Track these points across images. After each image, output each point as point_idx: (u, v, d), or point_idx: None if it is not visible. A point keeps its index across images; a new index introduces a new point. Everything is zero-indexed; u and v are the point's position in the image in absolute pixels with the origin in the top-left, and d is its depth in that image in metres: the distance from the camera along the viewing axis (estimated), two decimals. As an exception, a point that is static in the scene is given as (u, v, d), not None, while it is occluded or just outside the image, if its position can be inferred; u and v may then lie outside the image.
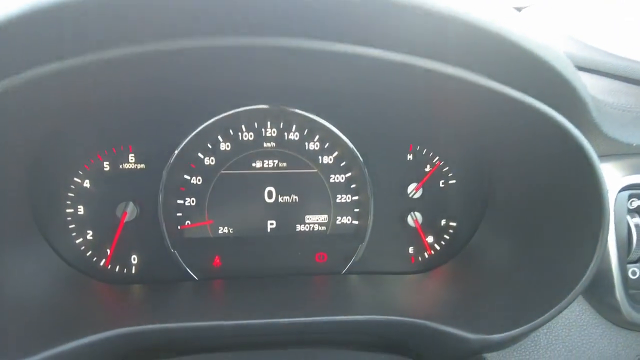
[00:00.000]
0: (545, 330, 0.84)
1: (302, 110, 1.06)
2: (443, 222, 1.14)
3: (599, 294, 0.86)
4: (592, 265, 0.72)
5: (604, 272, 0.84)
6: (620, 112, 0.89)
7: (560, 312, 0.74)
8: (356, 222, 1.14)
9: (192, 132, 1.05)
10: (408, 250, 1.14)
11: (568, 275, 0.75)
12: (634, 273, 0.86)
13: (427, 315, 0.80)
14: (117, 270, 1.07)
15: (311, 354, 0.65)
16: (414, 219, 1.12)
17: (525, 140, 0.82)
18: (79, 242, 1.06)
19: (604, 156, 0.86)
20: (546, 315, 0.73)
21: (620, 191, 0.85)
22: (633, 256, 0.86)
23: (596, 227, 0.72)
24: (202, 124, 1.05)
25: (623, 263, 0.85)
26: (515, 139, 0.85)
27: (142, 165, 1.06)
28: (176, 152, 1.05)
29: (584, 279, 0.72)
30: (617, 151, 0.87)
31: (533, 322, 0.73)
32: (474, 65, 0.65)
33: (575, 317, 0.86)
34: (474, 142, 1.05)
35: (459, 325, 0.77)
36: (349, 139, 1.08)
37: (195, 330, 0.81)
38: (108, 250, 1.07)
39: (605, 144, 0.85)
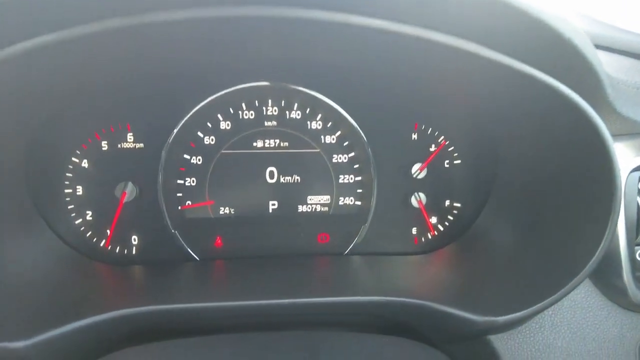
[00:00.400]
0: (550, 312, 0.83)
1: (305, 87, 1.03)
2: (447, 203, 1.12)
3: (606, 276, 0.84)
4: (601, 247, 0.70)
5: (612, 254, 0.83)
6: (634, 90, 0.85)
7: (567, 294, 0.72)
8: (359, 203, 1.12)
9: (191, 110, 1.03)
10: (411, 231, 1.12)
11: (576, 257, 0.74)
12: (641, 255, 0.85)
13: (432, 297, 0.79)
14: (117, 251, 1.06)
15: (313, 335, 0.65)
16: (418, 199, 1.10)
17: (536, 118, 0.79)
18: (78, 223, 1.05)
19: (617, 135, 0.84)
20: (552, 298, 0.72)
21: (631, 172, 0.83)
22: (641, 238, 0.84)
23: (607, 208, 0.70)
24: (201, 102, 1.03)
25: (631, 245, 0.83)
26: (525, 117, 0.82)
27: (141, 145, 1.04)
28: (175, 130, 1.03)
29: (592, 261, 0.71)
30: (630, 130, 0.85)
31: (539, 305, 0.72)
32: (484, 38, 0.62)
33: (580, 299, 0.85)
34: (481, 121, 1.03)
35: (463, 307, 0.76)
36: (353, 118, 1.05)
37: (197, 312, 0.80)
38: (108, 231, 1.05)
39: (618, 123, 0.82)
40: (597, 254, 0.71)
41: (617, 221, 0.71)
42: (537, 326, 0.82)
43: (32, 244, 0.94)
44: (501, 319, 0.73)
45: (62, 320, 0.73)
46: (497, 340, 0.79)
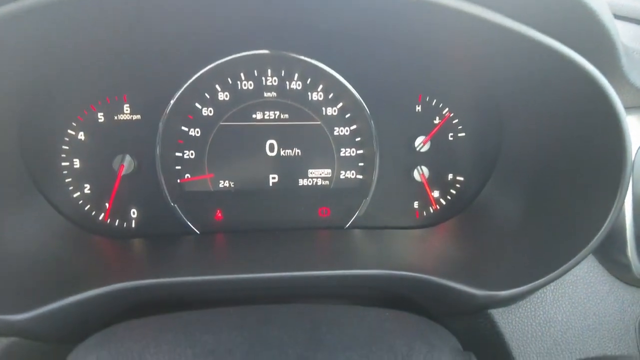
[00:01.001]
0: (551, 287, 0.83)
1: (306, 56, 0.99)
2: (450, 176, 1.10)
3: (610, 251, 0.84)
4: (607, 222, 0.69)
5: (617, 229, 0.82)
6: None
7: (570, 269, 0.72)
8: (360, 177, 1.11)
9: (188, 80, 1.00)
10: (413, 205, 1.11)
11: (581, 231, 0.72)
12: (647, 230, 0.84)
13: (433, 271, 0.78)
14: (116, 224, 1.06)
15: (314, 308, 0.64)
16: (421, 173, 1.08)
17: (545, 87, 0.76)
18: (76, 197, 1.03)
19: (630, 108, 0.81)
20: (555, 273, 0.72)
21: (642, 146, 0.81)
22: (648, 213, 0.83)
23: (615, 182, 0.68)
24: (198, 72, 0.99)
25: (638, 220, 0.82)
26: (533, 86, 0.79)
27: (138, 116, 1.02)
28: (172, 101, 1.00)
29: (597, 236, 0.70)
30: (642, 103, 0.82)
31: (541, 280, 0.72)
32: (492, 2, 0.58)
33: (582, 274, 0.85)
34: (487, 91, 0.99)
35: (464, 281, 0.75)
36: (355, 89, 1.02)
37: (198, 284, 0.80)
38: (107, 204, 1.04)
39: (631, 95, 0.79)
40: (602, 229, 0.69)
41: (625, 196, 0.70)
42: (538, 300, 0.82)
43: (30, 217, 0.93)
44: (502, 293, 0.72)
45: (62, 294, 0.72)
46: (498, 314, 0.80)
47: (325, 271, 0.80)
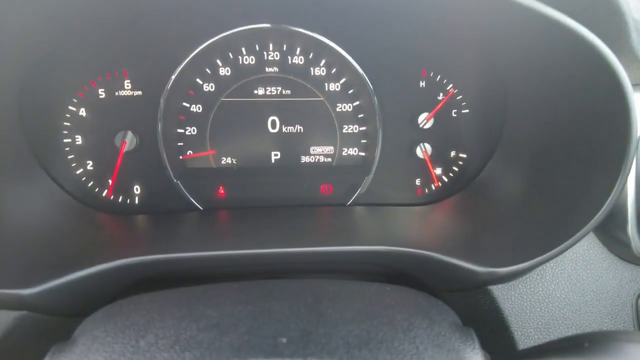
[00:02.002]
0: (551, 264, 0.84)
1: (308, 30, 0.97)
2: (453, 153, 1.10)
3: (610, 229, 0.84)
4: (609, 199, 0.69)
5: (618, 207, 0.82)
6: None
7: (571, 246, 0.72)
8: (363, 154, 1.10)
9: (188, 55, 0.98)
10: (415, 182, 1.11)
11: (583, 209, 0.73)
12: (649, 208, 0.84)
13: (434, 247, 0.79)
14: (120, 200, 1.06)
15: (316, 283, 0.65)
16: (423, 150, 1.08)
17: (551, 63, 0.75)
18: (79, 173, 1.04)
19: (637, 85, 0.79)
20: (555, 250, 0.72)
21: (648, 123, 0.79)
22: (651, 191, 0.83)
23: (620, 160, 0.68)
24: (199, 47, 0.98)
25: (639, 198, 0.82)
26: (539, 62, 0.78)
27: (139, 92, 1.01)
28: (173, 77, 0.99)
29: (599, 213, 0.70)
30: (651, 79, 0.80)
31: (542, 256, 0.72)
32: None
33: (582, 251, 0.86)
34: (492, 68, 0.98)
35: (465, 258, 0.76)
36: (359, 64, 1.00)
37: (201, 260, 0.81)
38: (109, 181, 1.05)
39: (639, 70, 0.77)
40: (604, 207, 0.69)
41: (628, 174, 0.69)
42: (537, 277, 0.83)
43: (35, 194, 0.94)
44: (503, 270, 0.73)
45: (67, 269, 0.74)
46: (498, 290, 0.81)
47: (326, 247, 0.81)
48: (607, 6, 0.62)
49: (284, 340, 0.49)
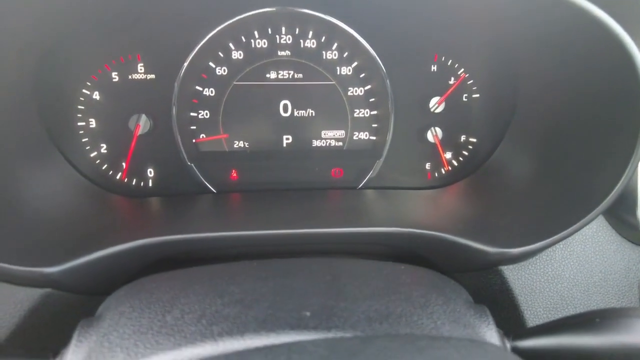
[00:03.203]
0: (560, 245, 0.85)
1: (320, 12, 0.97)
2: (463, 138, 1.11)
3: (620, 212, 0.85)
4: (620, 182, 0.70)
5: (628, 190, 0.83)
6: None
7: (580, 229, 0.74)
8: (374, 138, 1.11)
9: (202, 39, 0.98)
10: (425, 166, 1.12)
11: (594, 192, 0.74)
12: (658, 192, 0.85)
13: (445, 229, 0.81)
14: (134, 183, 1.08)
15: (333, 261, 0.67)
16: (434, 134, 1.09)
17: (563, 45, 0.75)
18: (93, 156, 1.05)
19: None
20: (566, 232, 0.74)
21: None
22: (661, 175, 0.84)
23: (632, 142, 0.69)
24: (212, 30, 0.98)
25: (649, 181, 0.83)
26: (550, 44, 0.78)
27: (152, 76, 1.02)
28: (187, 61, 0.99)
29: (610, 195, 0.71)
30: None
31: (553, 237, 0.74)
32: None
33: (591, 233, 0.87)
34: (503, 52, 0.98)
35: (477, 239, 0.78)
36: (371, 47, 1.01)
37: (215, 241, 0.83)
38: (124, 164, 1.06)
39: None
40: (616, 188, 0.71)
41: (639, 158, 0.70)
42: (547, 258, 0.84)
43: (52, 176, 0.96)
44: (514, 250, 0.75)
45: (87, 249, 0.76)
46: (508, 271, 0.82)
47: (337, 228, 0.82)
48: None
49: (308, 313, 0.51)
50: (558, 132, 0.87)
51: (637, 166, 0.70)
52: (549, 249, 0.85)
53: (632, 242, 0.87)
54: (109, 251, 0.77)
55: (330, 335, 0.47)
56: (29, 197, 0.85)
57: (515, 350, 0.58)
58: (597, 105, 0.76)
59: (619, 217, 0.87)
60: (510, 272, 0.83)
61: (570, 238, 0.86)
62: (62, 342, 0.56)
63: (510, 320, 0.83)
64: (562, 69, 0.82)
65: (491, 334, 0.57)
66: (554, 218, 0.78)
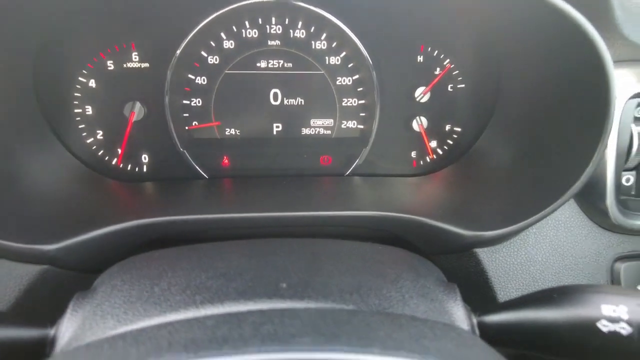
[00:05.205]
0: (534, 229, 0.89)
1: (309, 4, 1.00)
2: (448, 127, 1.14)
3: (591, 198, 0.89)
4: (588, 168, 0.74)
5: (598, 178, 0.87)
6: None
7: (551, 212, 0.78)
8: (361, 127, 1.15)
9: (194, 28, 1.01)
10: (411, 154, 1.16)
11: (563, 179, 0.78)
12: (627, 180, 0.89)
13: (426, 213, 0.85)
14: (129, 168, 1.12)
15: (315, 242, 0.71)
16: (419, 123, 1.12)
17: (539, 40, 0.78)
18: (90, 142, 1.09)
19: (623, 61, 0.83)
20: (537, 216, 0.78)
21: (630, 98, 0.84)
22: (630, 163, 0.88)
23: (598, 134, 0.72)
24: (204, 20, 1.01)
25: (619, 170, 0.87)
26: (527, 38, 0.82)
27: (146, 64, 1.05)
28: (179, 50, 1.02)
29: (577, 183, 0.75)
30: (637, 57, 0.84)
31: (525, 222, 0.78)
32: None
33: (564, 219, 0.91)
34: (486, 45, 1.01)
35: (455, 223, 0.82)
36: (358, 38, 1.04)
37: (207, 223, 0.87)
38: (119, 150, 1.10)
39: (625, 48, 0.81)
40: (584, 175, 0.75)
41: (606, 144, 0.74)
42: (521, 241, 0.88)
43: (50, 161, 0.99)
44: (488, 233, 0.79)
45: (83, 229, 0.80)
46: (483, 253, 0.87)
47: (324, 212, 0.87)
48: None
49: (284, 285, 0.55)
50: (534, 122, 0.91)
51: (603, 154, 0.74)
52: (523, 233, 0.89)
53: (602, 228, 0.91)
54: (104, 231, 0.81)
55: (303, 304, 0.51)
56: (29, 180, 0.89)
57: (480, 324, 0.62)
58: (569, 98, 0.80)
59: (590, 204, 0.91)
60: (485, 255, 0.87)
61: (543, 223, 0.90)
62: (59, 314, 0.61)
63: (483, 300, 0.87)
64: (538, 62, 0.85)
65: (458, 309, 0.61)
66: (527, 203, 0.82)
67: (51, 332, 0.59)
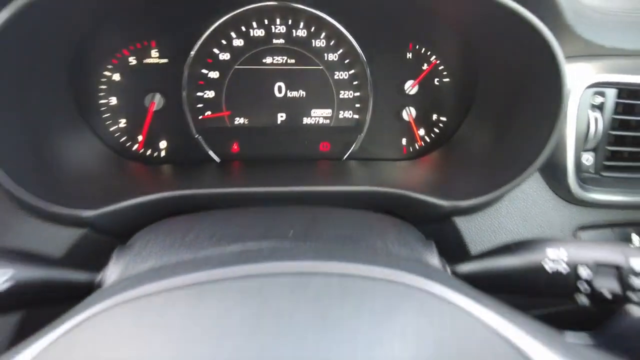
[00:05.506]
0: (506, 202, 1.02)
1: (310, 7, 1.14)
2: (434, 117, 1.27)
3: (556, 176, 1.02)
4: (547, 147, 0.88)
5: (561, 158, 1.00)
6: (601, 16, 0.97)
7: (517, 184, 0.91)
8: (357, 116, 1.28)
9: (208, 29, 1.14)
10: (401, 141, 1.29)
11: (528, 157, 0.91)
12: (587, 160, 1.02)
13: (411, 188, 0.98)
14: (148, 153, 1.24)
15: (316, 209, 0.84)
16: (409, 113, 1.25)
17: (504, 41, 0.92)
18: (113, 129, 1.21)
19: (580, 56, 0.97)
20: (506, 187, 0.91)
21: (587, 88, 0.97)
22: (588, 145, 1.01)
23: (554, 115, 0.86)
24: (216, 22, 1.14)
25: (579, 151, 1.00)
26: (496, 41, 0.96)
27: (165, 60, 1.18)
28: (195, 48, 1.15)
29: (538, 159, 0.89)
30: (592, 52, 0.97)
31: (494, 192, 0.91)
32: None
33: (533, 193, 1.04)
34: (466, 44, 1.15)
35: (436, 195, 0.95)
36: (354, 37, 1.17)
37: (219, 196, 0.99)
38: (140, 137, 1.22)
39: (579, 45, 0.94)
40: (543, 153, 0.88)
41: (559, 132, 0.88)
42: (494, 212, 1.01)
43: (83, 144, 1.12)
44: (464, 203, 0.92)
45: (113, 200, 0.93)
46: (461, 222, 1.00)
47: (323, 187, 1.00)
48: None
49: (291, 232, 0.68)
50: (505, 111, 1.05)
51: (559, 134, 0.88)
52: (497, 205, 1.02)
53: (566, 201, 1.04)
54: (131, 202, 0.94)
55: (306, 246, 0.65)
56: (67, 159, 1.02)
57: (453, 273, 0.75)
58: (531, 89, 0.93)
59: (555, 181, 1.04)
60: (462, 223, 1.00)
61: (514, 197, 1.03)
62: (99, 268, 0.73)
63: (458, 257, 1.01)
64: (506, 61, 0.99)
65: (434, 259, 0.75)
66: (497, 178, 0.95)
67: (98, 276, 0.72)
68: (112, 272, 0.71)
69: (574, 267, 0.66)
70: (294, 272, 0.49)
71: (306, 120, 1.27)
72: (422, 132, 1.29)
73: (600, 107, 0.99)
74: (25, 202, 0.85)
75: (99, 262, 0.75)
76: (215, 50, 1.19)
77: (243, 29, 1.18)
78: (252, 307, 0.44)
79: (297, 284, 0.47)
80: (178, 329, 0.42)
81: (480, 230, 1.00)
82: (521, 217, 1.02)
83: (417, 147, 1.30)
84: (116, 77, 1.18)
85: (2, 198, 0.90)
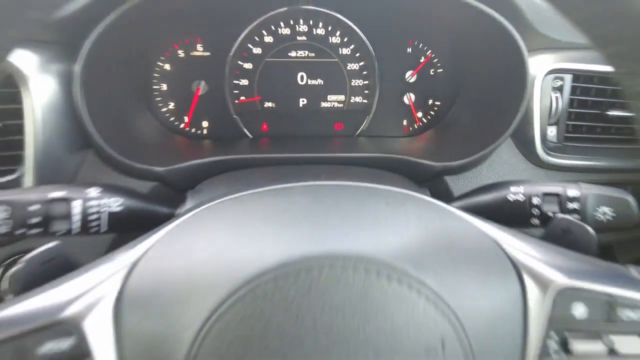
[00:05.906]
0: (486, 165, 1.28)
1: (329, 10, 1.40)
2: (430, 101, 1.53)
3: (527, 145, 1.28)
4: (515, 120, 1.14)
5: (531, 130, 1.26)
6: (557, 15, 1.23)
7: (494, 149, 1.17)
8: (365, 101, 1.52)
9: (245, 29, 1.40)
10: (403, 122, 1.54)
11: (501, 128, 1.18)
12: (552, 132, 1.28)
13: (410, 155, 1.24)
14: (192, 131, 1.50)
15: (334, 167, 1.10)
16: (409, 98, 1.51)
17: (480, 36, 1.19)
18: (164, 111, 1.47)
19: (542, 48, 1.23)
20: (485, 151, 1.17)
21: (547, 74, 1.22)
22: (551, 120, 1.26)
23: (520, 96, 1.13)
24: (252, 23, 1.40)
25: (544, 124, 1.26)
26: (474, 38, 1.23)
27: (209, 53, 1.43)
28: (235, 44, 1.41)
29: (510, 128, 1.15)
30: (551, 45, 1.23)
31: (477, 155, 1.17)
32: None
33: (508, 158, 1.29)
34: (455, 40, 1.41)
35: (429, 158, 1.21)
36: (364, 35, 1.43)
37: (254, 160, 1.23)
38: (186, 118, 1.48)
39: (539, 39, 1.20)
40: (513, 123, 1.15)
41: (524, 109, 1.14)
42: (477, 173, 1.27)
43: (144, 120, 1.38)
44: (453, 163, 1.18)
45: (175, 161, 1.18)
46: (451, 180, 1.26)
47: (338, 154, 1.25)
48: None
49: (322, 177, 0.94)
50: (486, 94, 1.31)
51: (525, 107, 1.14)
52: (478, 168, 1.27)
53: (536, 165, 1.29)
54: (192, 162, 1.19)
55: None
56: (139, 131, 1.29)
57: None
58: (503, 76, 1.20)
59: (526, 149, 1.28)
60: (452, 182, 1.25)
61: (493, 161, 1.29)
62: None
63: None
64: (484, 53, 1.25)
65: (423, 191, 1.00)
66: (478, 145, 1.21)
67: (177, 210, 0.98)
68: (190, 204, 0.96)
69: (529, 197, 0.92)
70: (334, 185, 0.74)
71: (323, 104, 1.52)
72: (420, 114, 1.54)
73: (560, 89, 1.25)
74: (113, 159, 1.11)
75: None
76: (250, 46, 1.44)
77: (273, 28, 1.43)
78: (307, 203, 0.68)
79: (335, 191, 0.72)
80: (260, 218, 0.64)
81: (465, 187, 1.25)
82: (498, 177, 1.28)
83: (416, 127, 1.55)
84: (167, 67, 1.43)
85: (91, 160, 1.16)
